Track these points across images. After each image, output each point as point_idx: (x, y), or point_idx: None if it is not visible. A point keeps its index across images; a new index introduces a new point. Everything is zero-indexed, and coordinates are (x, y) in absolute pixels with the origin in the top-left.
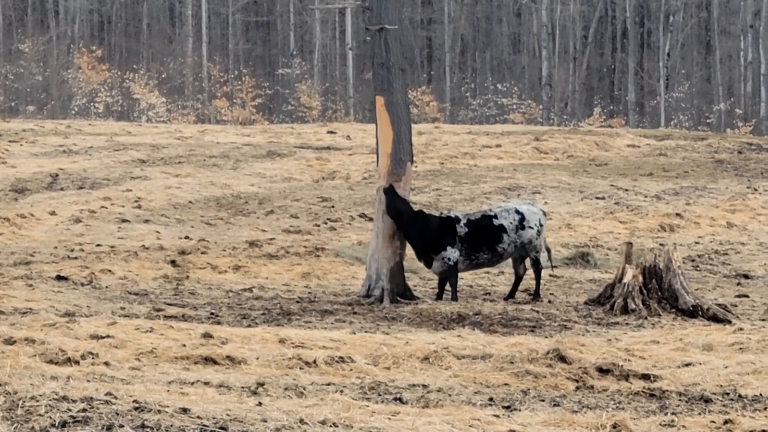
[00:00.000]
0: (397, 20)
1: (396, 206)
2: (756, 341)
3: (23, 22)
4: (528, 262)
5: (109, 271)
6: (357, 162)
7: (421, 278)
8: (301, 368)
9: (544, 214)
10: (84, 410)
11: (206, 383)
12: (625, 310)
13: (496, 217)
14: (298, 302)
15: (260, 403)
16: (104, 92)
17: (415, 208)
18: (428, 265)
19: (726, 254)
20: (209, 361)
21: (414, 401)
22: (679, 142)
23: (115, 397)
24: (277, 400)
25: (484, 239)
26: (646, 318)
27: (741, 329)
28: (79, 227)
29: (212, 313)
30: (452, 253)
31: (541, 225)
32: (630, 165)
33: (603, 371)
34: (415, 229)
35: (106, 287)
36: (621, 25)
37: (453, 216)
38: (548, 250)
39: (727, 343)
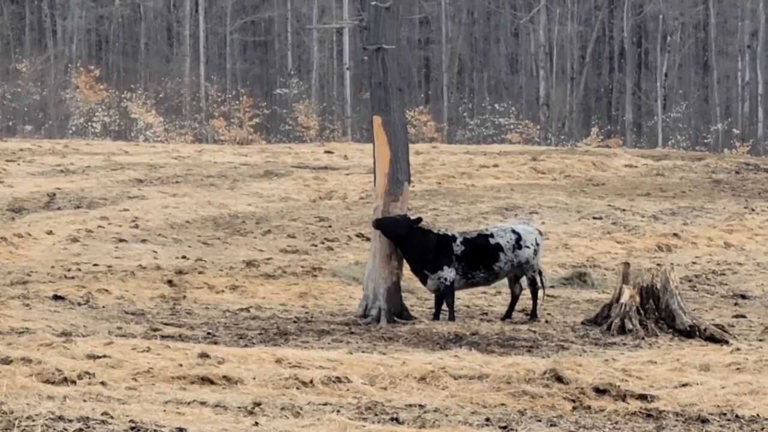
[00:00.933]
0: (394, 40)
1: (392, 229)
2: (753, 361)
3: (21, 41)
4: (524, 281)
5: (106, 290)
6: (354, 182)
7: (419, 298)
8: (297, 388)
9: (541, 233)
10: (80, 430)
11: (203, 403)
12: (622, 330)
13: (492, 236)
14: (295, 322)
15: (257, 423)
16: (102, 112)
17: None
18: (423, 282)
19: (723, 274)
20: (206, 380)
21: (410, 421)
22: (677, 162)
23: (112, 417)
24: (273, 420)
25: (480, 258)
26: (643, 338)
27: (738, 349)
28: (76, 247)
29: (209, 333)
30: (449, 273)
31: (537, 244)
32: (627, 185)
33: (600, 391)
34: (412, 245)
35: (103, 307)
36: (618, 46)
37: (450, 234)
38: (540, 273)
39: (724, 363)
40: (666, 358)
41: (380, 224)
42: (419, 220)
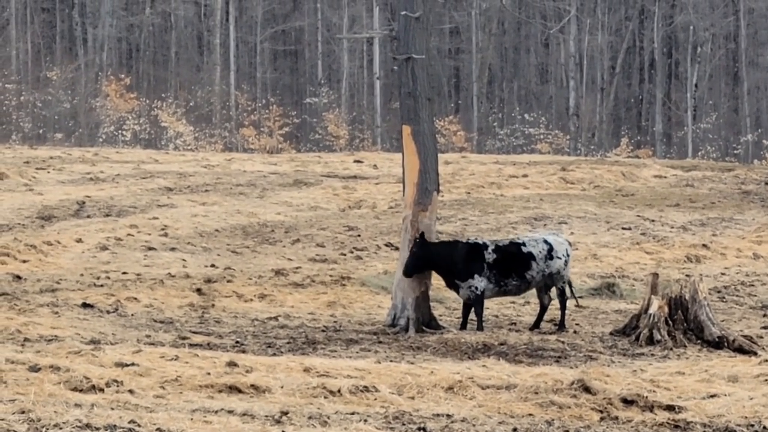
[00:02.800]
0: (424, 50)
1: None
2: None
3: (52, 49)
4: (553, 292)
5: (135, 298)
6: (383, 191)
7: (447, 308)
8: (325, 397)
9: (570, 244)
10: None
11: (230, 412)
12: (651, 341)
13: (524, 245)
14: (323, 331)
15: None
16: (132, 120)
17: (442, 237)
18: (456, 292)
19: (752, 285)
20: (234, 389)
21: (438, 431)
22: (706, 173)
23: (139, 425)
24: (300, 429)
25: (512, 266)
26: (671, 349)
27: (766, 361)
28: (106, 255)
29: (237, 342)
30: (479, 282)
31: (568, 255)
32: (656, 196)
33: (628, 402)
34: (442, 259)
35: (132, 315)
36: (649, 56)
37: (480, 242)
38: (570, 284)
39: (752, 374)
40: (694, 369)
41: (409, 270)
42: (422, 234)
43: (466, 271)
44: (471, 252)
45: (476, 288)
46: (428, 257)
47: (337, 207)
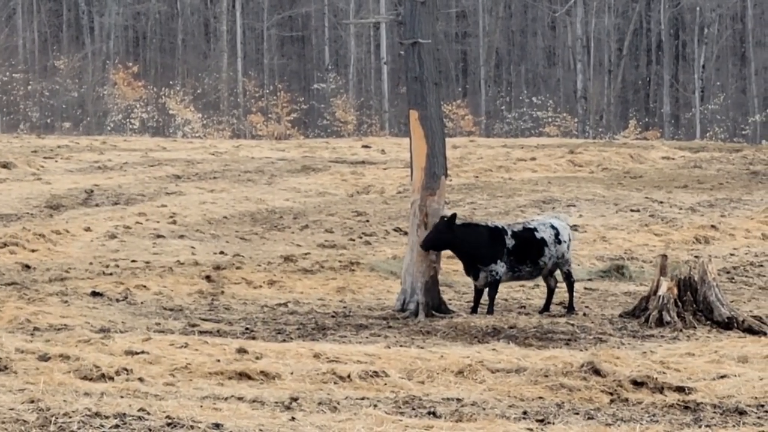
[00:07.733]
0: (430, 34)
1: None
2: None
3: (58, 38)
4: (559, 275)
5: (144, 286)
6: (392, 176)
7: (456, 292)
8: (335, 383)
9: (570, 227)
10: (117, 426)
11: (240, 398)
12: (660, 322)
13: (536, 230)
14: (332, 317)
15: (293, 418)
16: (140, 108)
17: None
18: (475, 278)
19: (761, 266)
20: (243, 376)
21: (448, 415)
22: (714, 153)
23: (148, 413)
24: (310, 415)
25: (528, 252)
26: (681, 330)
27: None
28: (114, 243)
29: (247, 329)
30: (500, 267)
31: (570, 239)
32: (665, 177)
33: (637, 384)
34: (466, 244)
35: (141, 303)
36: (656, 38)
37: (500, 227)
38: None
39: (762, 354)
40: (704, 350)
41: (428, 245)
42: (454, 216)
43: (488, 256)
44: (493, 237)
45: (496, 273)
46: (451, 239)
47: (345, 192)
